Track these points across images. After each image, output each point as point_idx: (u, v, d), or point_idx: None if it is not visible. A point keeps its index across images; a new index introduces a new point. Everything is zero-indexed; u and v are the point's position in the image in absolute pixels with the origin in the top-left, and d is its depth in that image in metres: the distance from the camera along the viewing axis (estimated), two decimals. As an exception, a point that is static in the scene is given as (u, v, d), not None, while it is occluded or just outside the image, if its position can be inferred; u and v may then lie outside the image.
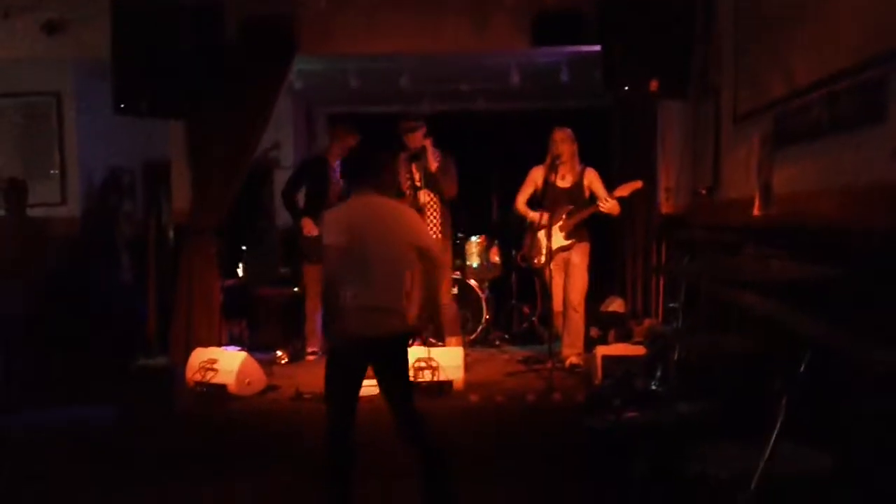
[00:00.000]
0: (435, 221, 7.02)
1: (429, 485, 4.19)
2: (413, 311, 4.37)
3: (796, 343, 2.72)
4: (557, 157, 6.92)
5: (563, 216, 6.96)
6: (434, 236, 6.95)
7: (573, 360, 6.98)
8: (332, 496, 4.18)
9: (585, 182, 7.03)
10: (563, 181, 7.03)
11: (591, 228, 7.10)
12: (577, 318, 7.03)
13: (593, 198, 7.00)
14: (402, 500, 4.65)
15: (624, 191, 6.81)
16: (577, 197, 7.00)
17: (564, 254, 7.03)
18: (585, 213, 6.91)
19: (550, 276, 6.94)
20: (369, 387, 6.28)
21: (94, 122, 7.65)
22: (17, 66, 7.47)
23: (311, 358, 7.54)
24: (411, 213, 4.46)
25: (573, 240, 6.98)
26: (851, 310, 3.37)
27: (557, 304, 7.13)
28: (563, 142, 6.95)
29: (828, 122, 4.29)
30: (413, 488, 4.31)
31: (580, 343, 7.07)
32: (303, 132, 10.70)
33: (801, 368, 2.64)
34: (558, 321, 7.16)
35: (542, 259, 6.98)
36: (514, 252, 8.69)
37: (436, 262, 4.40)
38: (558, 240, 6.95)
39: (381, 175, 4.36)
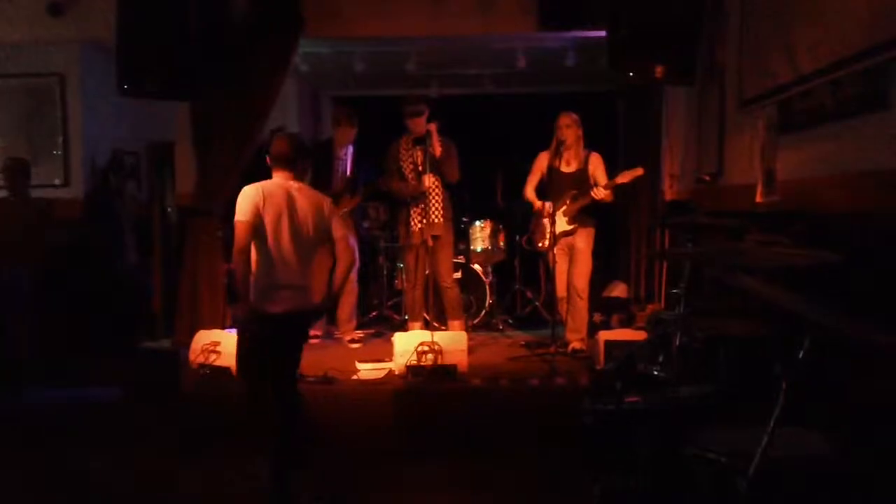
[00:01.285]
0: (438, 206, 7.01)
1: (276, 465, 4.38)
2: (321, 291, 4.67)
3: (797, 328, 2.73)
4: (562, 142, 6.91)
5: (567, 201, 6.94)
6: (438, 220, 6.97)
7: (576, 345, 6.99)
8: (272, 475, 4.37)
9: (590, 168, 6.98)
10: (568, 166, 7.01)
11: (595, 214, 7.07)
12: (582, 304, 7.03)
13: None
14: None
15: (625, 177, 6.74)
16: (582, 182, 6.96)
17: (568, 239, 7.01)
18: (586, 200, 6.87)
19: (554, 261, 6.93)
20: (373, 370, 6.36)
21: (98, 104, 7.65)
22: (21, 47, 7.47)
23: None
24: (327, 201, 4.66)
25: (576, 225, 6.95)
26: (853, 294, 3.38)
27: (561, 289, 7.12)
28: (568, 127, 6.92)
29: (831, 108, 4.30)
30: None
31: (584, 328, 7.07)
32: (308, 115, 10.70)
33: (802, 353, 2.65)
34: (562, 306, 7.15)
35: (546, 243, 6.98)
36: (517, 237, 8.72)
37: (347, 251, 4.64)
38: (562, 224, 6.94)
39: (297, 160, 4.61)
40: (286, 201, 4.45)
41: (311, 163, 4.82)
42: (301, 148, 4.66)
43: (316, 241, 4.56)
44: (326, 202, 4.64)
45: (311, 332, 7.52)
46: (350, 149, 7.51)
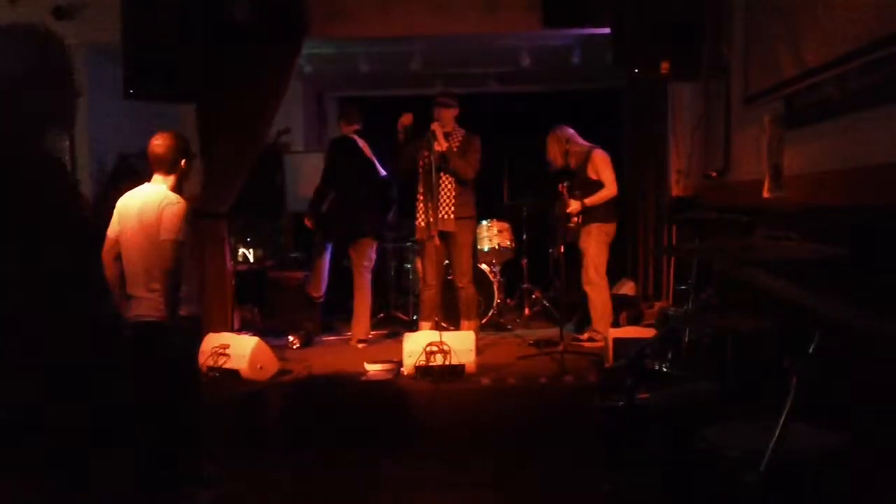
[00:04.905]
0: (449, 203, 6.98)
1: None
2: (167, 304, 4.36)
3: (807, 322, 2.72)
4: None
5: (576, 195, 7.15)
6: (448, 217, 6.96)
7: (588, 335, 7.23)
8: None
9: (589, 166, 7.18)
10: (574, 165, 7.24)
11: (604, 209, 7.18)
12: (593, 295, 7.19)
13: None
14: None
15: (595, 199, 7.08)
16: (584, 180, 7.17)
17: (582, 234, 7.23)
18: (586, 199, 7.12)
19: (564, 259, 7.09)
20: (382, 370, 6.36)
21: (104, 108, 7.64)
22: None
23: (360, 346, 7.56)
24: (167, 207, 4.39)
25: (579, 219, 7.17)
26: (862, 289, 3.36)
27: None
28: (553, 151, 7.31)
29: (838, 102, 4.28)
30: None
31: (599, 321, 7.19)
32: (313, 117, 10.71)
33: (812, 348, 2.64)
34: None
35: (568, 237, 7.28)
36: (524, 236, 8.75)
37: (164, 260, 4.33)
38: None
39: (174, 163, 4.52)
40: (139, 208, 4.40)
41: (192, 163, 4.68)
42: (179, 149, 4.54)
43: (157, 248, 4.34)
44: (167, 207, 4.37)
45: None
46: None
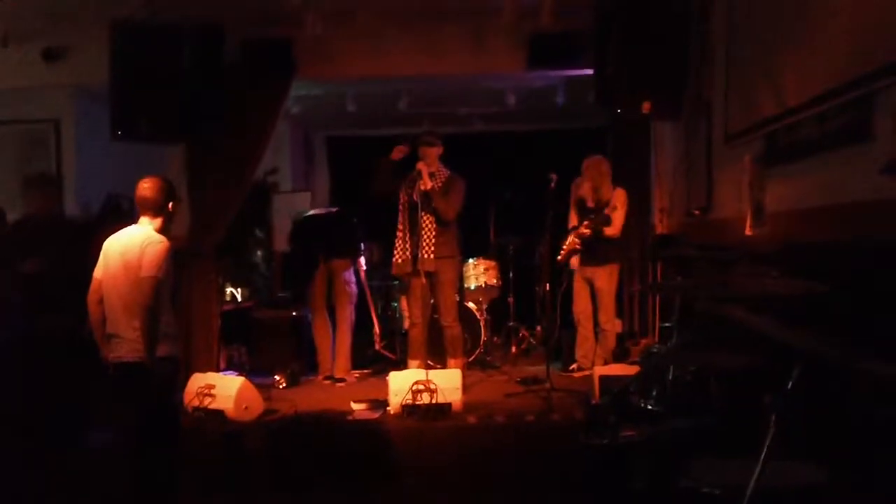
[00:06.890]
0: (430, 242, 6.97)
1: None
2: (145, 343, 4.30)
3: (787, 358, 2.75)
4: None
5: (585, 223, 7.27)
6: (428, 256, 6.94)
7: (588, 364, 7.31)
8: None
9: (611, 203, 7.29)
10: (592, 202, 7.43)
11: (618, 251, 7.43)
12: (610, 337, 7.45)
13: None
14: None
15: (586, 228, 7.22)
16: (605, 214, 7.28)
17: (588, 275, 7.39)
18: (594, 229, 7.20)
19: (551, 296, 7.17)
20: (367, 409, 6.35)
21: (93, 149, 7.67)
22: (16, 93, 7.50)
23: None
24: (149, 246, 4.35)
25: (583, 251, 7.32)
26: (842, 325, 3.40)
27: (576, 314, 7.56)
28: (588, 169, 7.44)
29: (817, 141, 4.34)
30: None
31: (609, 355, 7.36)
32: (301, 156, 10.76)
33: (791, 383, 2.67)
34: (579, 333, 7.57)
35: (561, 257, 7.43)
36: (510, 274, 8.78)
37: (142, 297, 4.27)
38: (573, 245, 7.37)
39: (162, 205, 4.51)
40: (123, 249, 4.39)
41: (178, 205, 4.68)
42: (166, 192, 4.53)
43: (138, 288, 4.30)
44: (148, 247, 4.33)
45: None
46: None
